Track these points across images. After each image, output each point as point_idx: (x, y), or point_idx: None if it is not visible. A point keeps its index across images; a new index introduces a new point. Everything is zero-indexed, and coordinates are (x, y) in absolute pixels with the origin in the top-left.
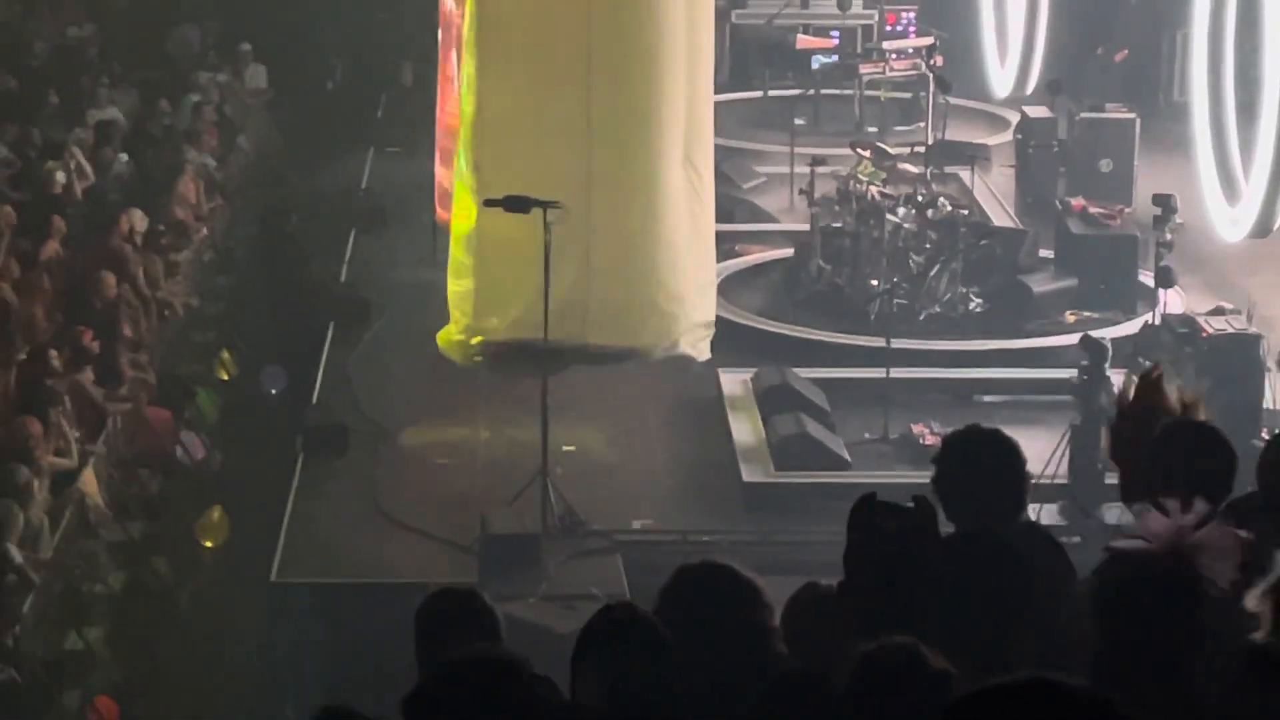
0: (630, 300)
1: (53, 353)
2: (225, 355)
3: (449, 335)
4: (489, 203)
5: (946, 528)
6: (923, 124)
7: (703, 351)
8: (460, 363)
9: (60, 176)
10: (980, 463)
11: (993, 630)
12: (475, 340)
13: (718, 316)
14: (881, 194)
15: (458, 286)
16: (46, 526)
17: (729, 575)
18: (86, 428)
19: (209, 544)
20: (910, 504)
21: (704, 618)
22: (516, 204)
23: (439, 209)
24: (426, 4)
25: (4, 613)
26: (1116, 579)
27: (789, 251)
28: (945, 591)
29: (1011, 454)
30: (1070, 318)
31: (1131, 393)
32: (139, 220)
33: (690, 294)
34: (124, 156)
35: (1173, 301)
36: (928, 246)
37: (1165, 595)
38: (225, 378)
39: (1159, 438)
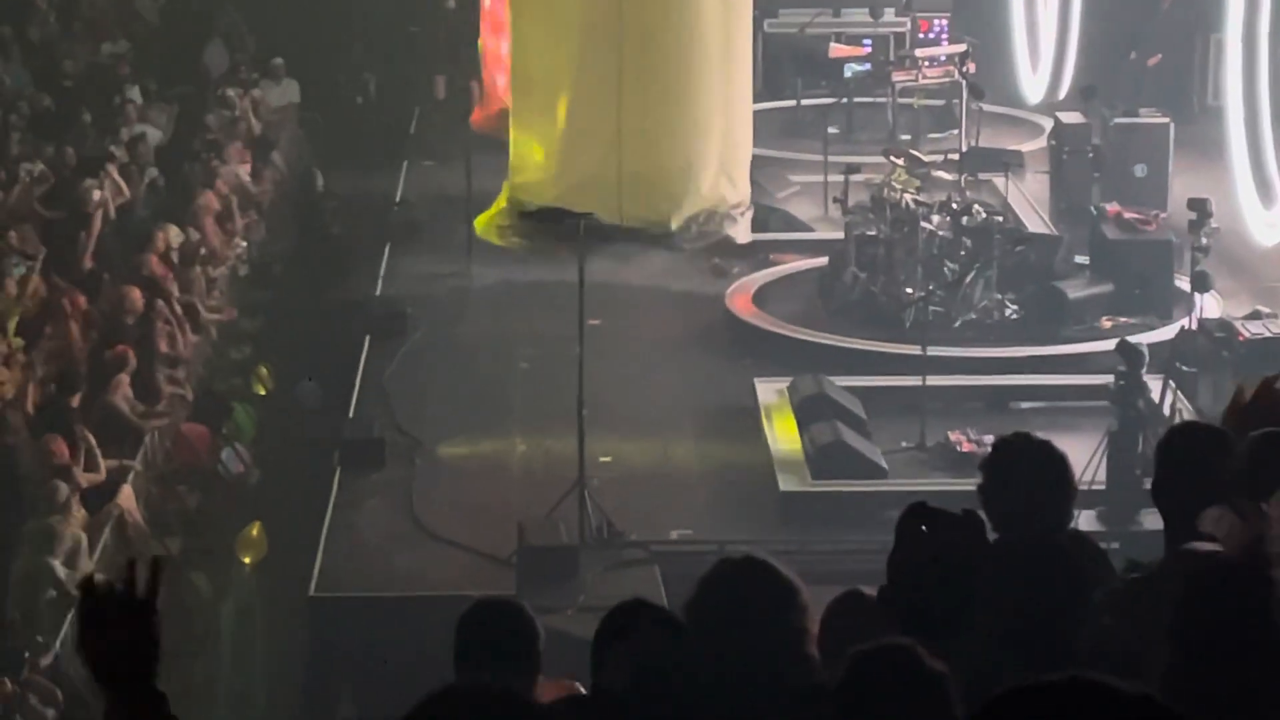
0: (662, 174)
1: (80, 372)
2: (263, 370)
3: (485, 218)
4: (525, 215)
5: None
6: (956, 131)
7: (741, 233)
8: (499, 243)
9: (96, 194)
10: (1028, 472)
11: (1050, 635)
12: (510, 217)
13: (753, 326)
14: (916, 201)
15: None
16: (85, 543)
17: (768, 572)
18: (124, 444)
19: (247, 560)
20: (959, 513)
21: (737, 610)
22: (551, 216)
23: (476, 110)
24: (458, 18)
25: (46, 628)
26: (1193, 582)
27: (823, 260)
28: (1002, 596)
29: (1060, 464)
30: (1106, 323)
31: (1249, 394)
32: (174, 236)
33: (723, 169)
34: (154, 171)
35: (1209, 306)
36: (962, 253)
37: (1242, 599)
38: (263, 393)
39: (1259, 441)
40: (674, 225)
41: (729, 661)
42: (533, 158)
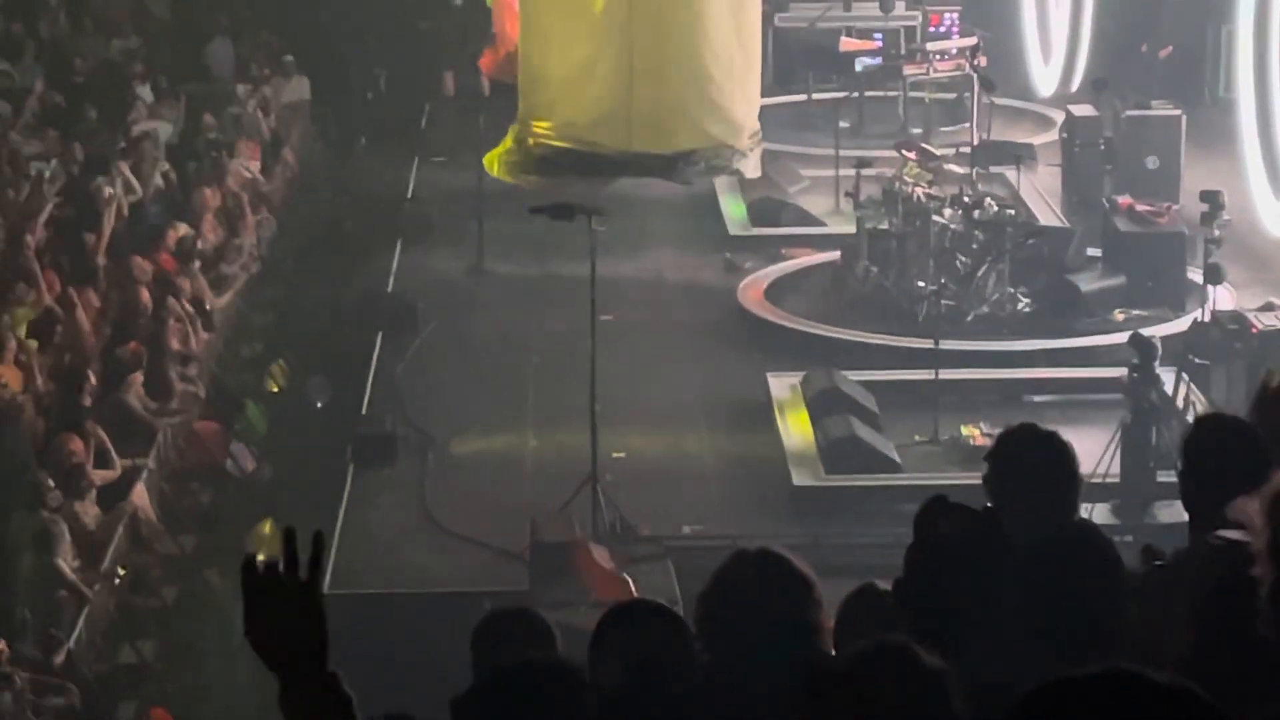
0: (671, 104)
1: (90, 370)
2: (276, 367)
3: (494, 155)
4: (534, 210)
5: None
6: (967, 124)
7: (750, 168)
8: (509, 179)
9: (107, 191)
10: (1033, 462)
11: (1088, 625)
12: (520, 153)
13: (765, 320)
14: (927, 195)
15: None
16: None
17: (783, 565)
18: (137, 442)
19: (260, 557)
20: (978, 510)
21: (752, 603)
22: (561, 211)
23: (486, 54)
24: (467, 14)
25: (58, 627)
26: (1220, 569)
27: (836, 254)
28: (1036, 587)
29: (1065, 454)
30: (1119, 316)
31: (1276, 381)
32: (185, 233)
33: (732, 99)
34: (166, 165)
35: (1222, 298)
36: (975, 247)
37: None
38: (275, 389)
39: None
40: (683, 154)
41: (740, 652)
42: (543, 94)
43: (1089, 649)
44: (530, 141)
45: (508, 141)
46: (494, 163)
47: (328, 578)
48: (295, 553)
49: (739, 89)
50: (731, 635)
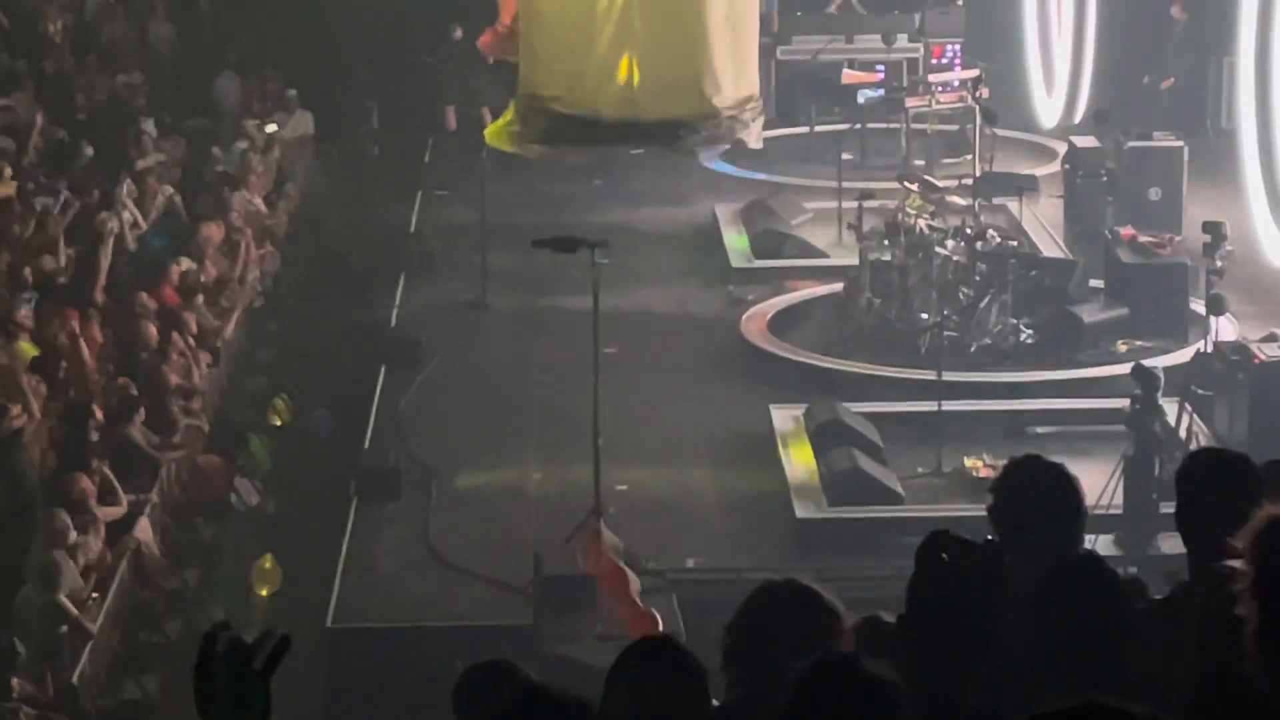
0: (673, 71)
1: (95, 405)
2: (280, 401)
3: (495, 127)
4: (537, 243)
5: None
6: (970, 156)
7: (754, 137)
8: (512, 150)
9: (112, 225)
10: (1038, 493)
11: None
12: (522, 123)
13: (767, 352)
14: (930, 227)
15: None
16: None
17: (811, 596)
18: (140, 476)
19: (262, 593)
20: (980, 542)
21: (779, 634)
22: (564, 245)
23: (487, 33)
24: (469, 48)
25: (62, 662)
26: (1223, 600)
27: (838, 286)
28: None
29: (1070, 485)
30: (1122, 347)
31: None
32: (189, 268)
33: (732, 67)
34: (171, 191)
35: (1224, 329)
36: (977, 278)
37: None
38: (279, 424)
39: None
40: (685, 122)
41: (772, 685)
42: (544, 64)
43: (1094, 680)
44: (532, 111)
45: (509, 113)
46: (497, 134)
47: (330, 612)
48: (259, 646)
49: (738, 57)
50: (760, 666)
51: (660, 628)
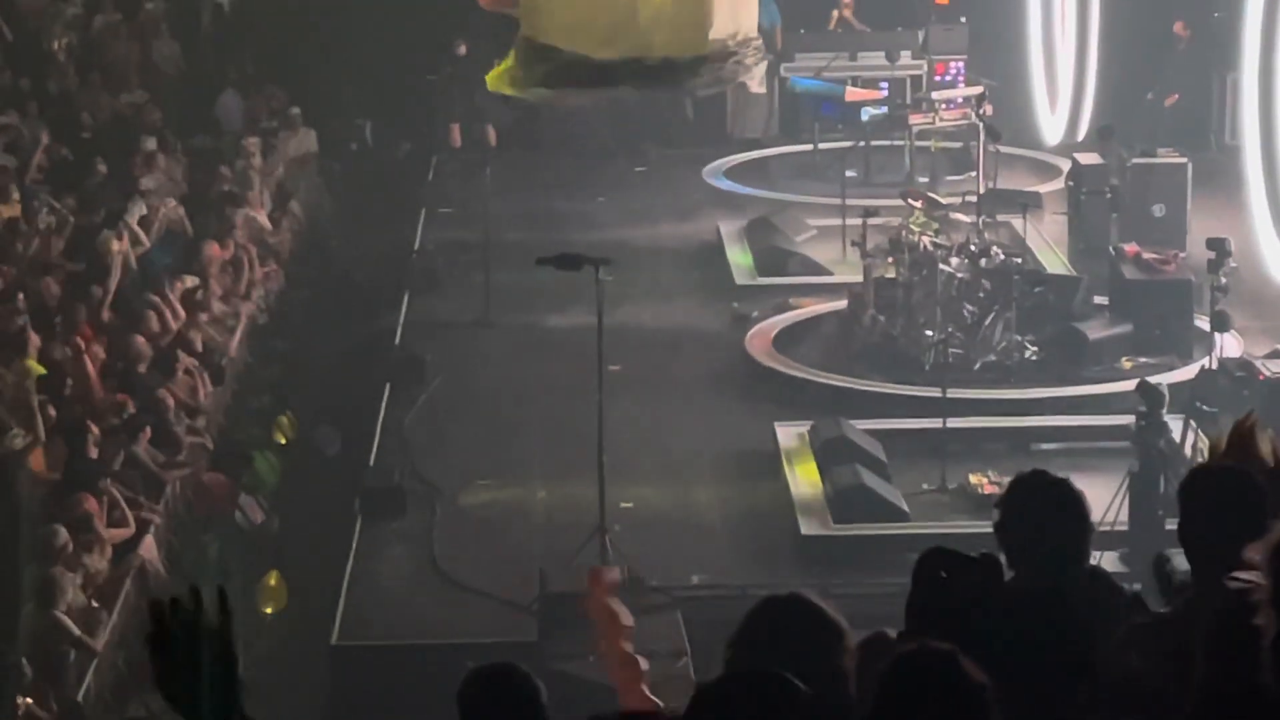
0: (674, 11)
1: (95, 424)
2: (284, 419)
3: (497, 73)
4: (541, 261)
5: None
6: (974, 173)
7: (756, 81)
8: (514, 93)
9: (114, 245)
10: (1044, 509)
11: (1053, 685)
12: (524, 65)
13: (772, 369)
14: (934, 244)
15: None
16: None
17: (814, 611)
18: (145, 494)
19: (268, 610)
20: (976, 557)
21: (782, 648)
22: (567, 262)
23: None
24: (471, 66)
25: (67, 681)
26: (1230, 614)
27: (842, 303)
28: (1006, 645)
29: (1076, 501)
30: (1126, 364)
31: (1224, 442)
32: (192, 285)
33: (733, 7)
34: (176, 205)
35: (1229, 345)
36: (981, 295)
37: None
38: (283, 441)
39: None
40: (686, 61)
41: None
42: (545, 8)
43: (1100, 695)
44: (534, 54)
45: (509, 60)
46: (498, 79)
47: (335, 630)
48: (201, 600)
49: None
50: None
51: (645, 686)
